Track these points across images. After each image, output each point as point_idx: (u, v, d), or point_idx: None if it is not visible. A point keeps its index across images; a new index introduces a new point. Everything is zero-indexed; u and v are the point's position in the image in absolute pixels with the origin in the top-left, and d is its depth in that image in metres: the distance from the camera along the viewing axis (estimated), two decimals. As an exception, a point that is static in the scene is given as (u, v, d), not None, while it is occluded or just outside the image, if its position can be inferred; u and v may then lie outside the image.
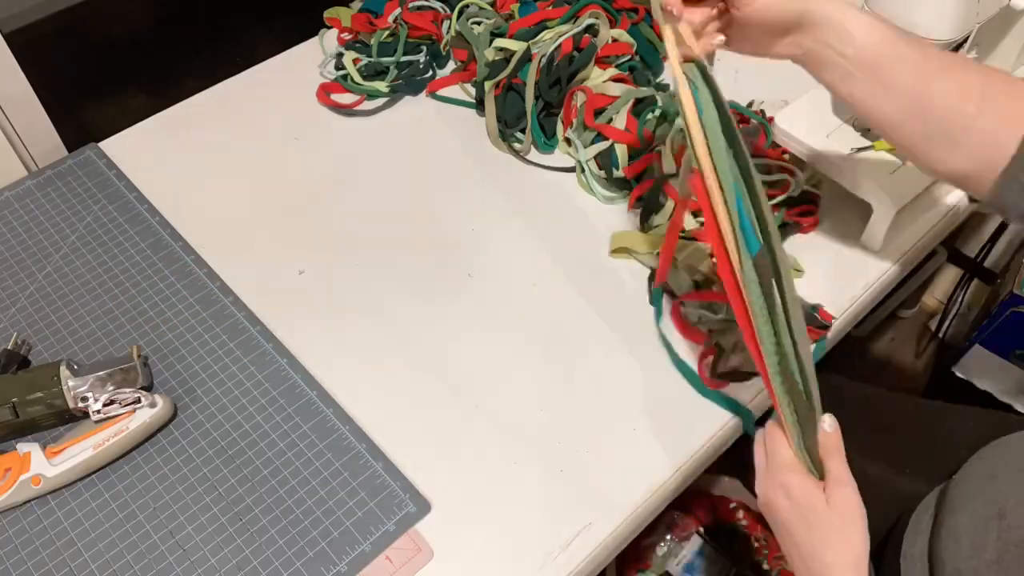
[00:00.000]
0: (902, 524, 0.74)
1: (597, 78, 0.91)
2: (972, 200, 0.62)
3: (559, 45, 0.91)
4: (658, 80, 1.00)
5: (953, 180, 0.62)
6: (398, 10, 1.01)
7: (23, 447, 0.68)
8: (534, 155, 0.93)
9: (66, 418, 0.70)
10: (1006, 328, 1.28)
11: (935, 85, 0.57)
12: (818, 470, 0.57)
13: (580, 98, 0.90)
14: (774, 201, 0.80)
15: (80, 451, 0.67)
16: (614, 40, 0.95)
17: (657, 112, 0.88)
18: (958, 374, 1.37)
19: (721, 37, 0.61)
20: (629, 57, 0.95)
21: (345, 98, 0.98)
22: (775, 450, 0.58)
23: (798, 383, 0.56)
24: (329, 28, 1.07)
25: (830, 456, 0.57)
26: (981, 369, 1.34)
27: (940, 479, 0.73)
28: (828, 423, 0.57)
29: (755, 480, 0.60)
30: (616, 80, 0.91)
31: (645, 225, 0.83)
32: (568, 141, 0.91)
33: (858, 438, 0.83)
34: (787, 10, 0.57)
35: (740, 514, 1.08)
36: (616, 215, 0.87)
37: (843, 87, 0.60)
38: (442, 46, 1.02)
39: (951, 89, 0.57)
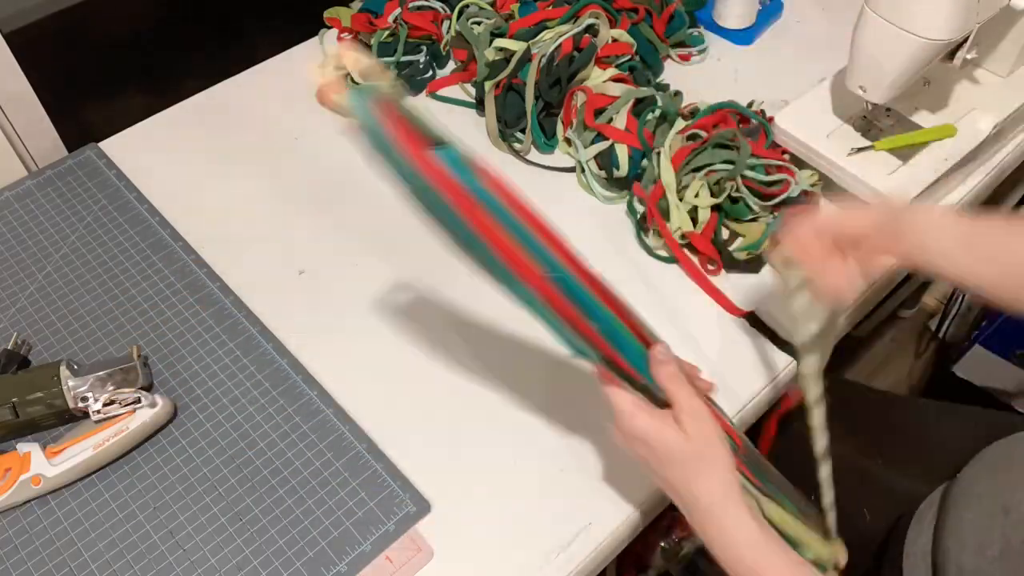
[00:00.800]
0: (904, 523, 0.74)
1: (597, 78, 0.91)
2: None
3: (559, 45, 0.91)
4: (658, 80, 1.00)
5: None
6: (398, 10, 1.01)
7: (23, 447, 0.68)
8: (534, 155, 0.93)
9: (66, 418, 0.70)
10: (1006, 328, 1.28)
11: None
12: (661, 400, 0.56)
13: (580, 98, 0.90)
14: (774, 201, 0.80)
15: (80, 451, 0.67)
16: (614, 40, 0.95)
17: (657, 112, 0.88)
18: (958, 374, 1.37)
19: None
20: (629, 57, 0.95)
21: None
22: (614, 399, 0.57)
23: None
24: (329, 28, 1.07)
25: (672, 386, 0.55)
26: (981, 369, 1.34)
27: (940, 479, 0.73)
28: (662, 352, 0.56)
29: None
30: (616, 80, 0.91)
31: (644, 230, 0.83)
32: (568, 141, 0.91)
33: (858, 438, 0.84)
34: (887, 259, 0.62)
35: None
36: (616, 215, 0.87)
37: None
38: (442, 46, 1.02)
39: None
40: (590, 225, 0.86)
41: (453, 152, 0.49)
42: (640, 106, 0.88)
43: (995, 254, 0.60)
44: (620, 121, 0.86)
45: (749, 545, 0.53)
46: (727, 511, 0.54)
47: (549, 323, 0.54)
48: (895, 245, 0.61)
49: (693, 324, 0.78)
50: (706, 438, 0.55)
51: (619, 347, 0.55)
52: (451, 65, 1.03)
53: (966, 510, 0.65)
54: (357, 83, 0.51)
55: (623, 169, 0.85)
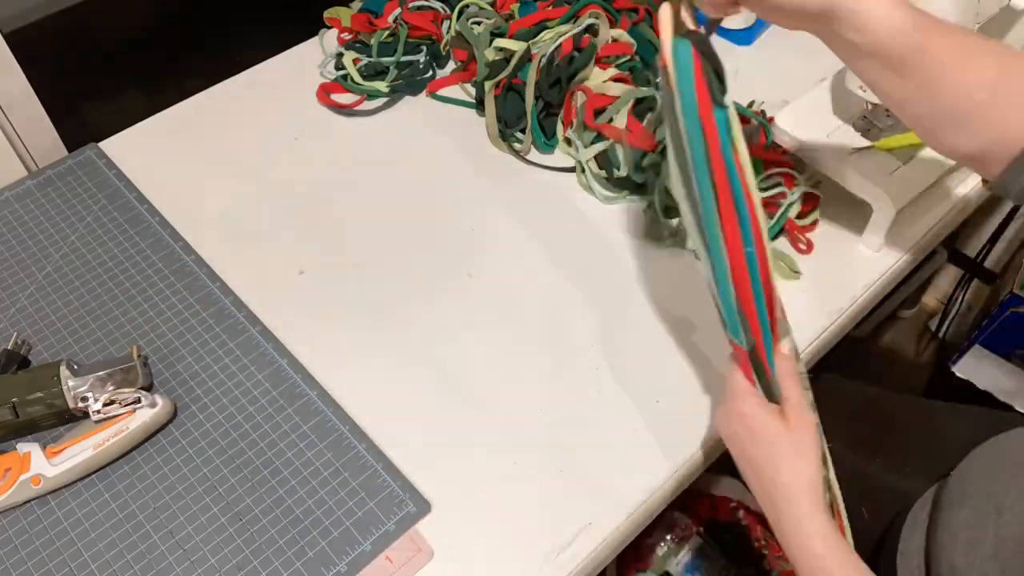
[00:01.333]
0: (898, 522, 0.74)
1: (597, 78, 0.91)
2: (984, 181, 0.63)
3: (559, 45, 0.91)
4: (658, 80, 1.00)
5: (960, 160, 0.63)
6: (398, 10, 1.01)
7: (23, 447, 0.68)
8: (534, 155, 0.93)
9: (66, 418, 0.70)
10: (1006, 328, 1.28)
11: (948, 77, 0.57)
12: (774, 397, 0.61)
13: (580, 98, 0.90)
14: (774, 220, 0.81)
15: (80, 451, 0.67)
16: (614, 40, 0.95)
17: (657, 112, 0.88)
18: (958, 374, 1.37)
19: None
20: (629, 57, 0.95)
21: (345, 98, 0.98)
22: (731, 380, 0.61)
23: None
24: (329, 28, 1.07)
25: (789, 382, 0.60)
26: (981, 369, 1.34)
27: (939, 479, 0.73)
28: (787, 348, 0.60)
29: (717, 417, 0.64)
30: (616, 80, 0.91)
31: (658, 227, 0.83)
32: (568, 141, 0.91)
33: (858, 437, 0.84)
34: (811, 6, 0.56)
35: (740, 514, 1.08)
36: (616, 215, 0.87)
37: (855, 64, 0.60)
38: (442, 46, 1.02)
39: (965, 81, 0.57)
40: (589, 225, 0.86)
41: (723, 116, 0.55)
42: (640, 106, 0.88)
43: (921, 79, 0.57)
44: (620, 121, 0.86)
45: (823, 537, 0.55)
46: (806, 501, 0.56)
47: (724, 294, 0.58)
48: (829, 20, 0.56)
49: (696, 321, 0.78)
50: (806, 432, 0.58)
51: (764, 335, 0.59)
52: (451, 65, 1.03)
53: (959, 509, 0.65)
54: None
55: (623, 169, 0.85)
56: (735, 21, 1.04)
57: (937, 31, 0.57)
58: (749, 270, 0.57)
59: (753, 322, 0.58)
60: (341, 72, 0.99)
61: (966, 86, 0.56)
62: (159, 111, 0.99)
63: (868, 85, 0.61)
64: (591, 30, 0.94)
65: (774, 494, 0.58)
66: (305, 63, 1.03)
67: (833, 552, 0.55)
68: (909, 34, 0.56)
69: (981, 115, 0.57)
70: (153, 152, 0.94)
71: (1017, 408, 1.32)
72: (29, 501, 0.67)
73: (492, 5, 1.01)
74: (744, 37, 1.05)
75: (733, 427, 0.61)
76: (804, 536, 0.56)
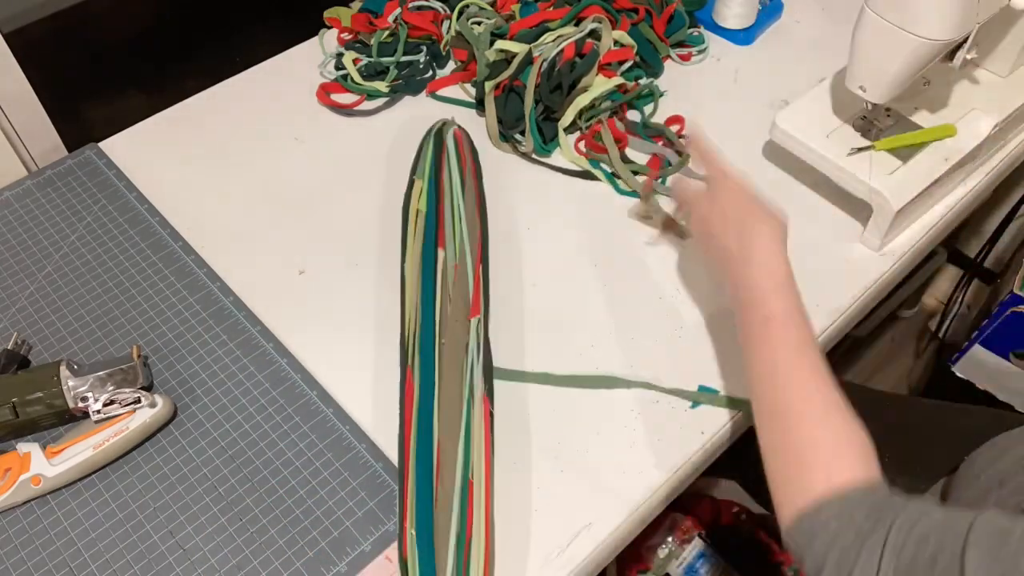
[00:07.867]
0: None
1: (600, 85, 0.91)
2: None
3: (561, 50, 0.91)
4: (658, 81, 1.00)
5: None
6: (398, 10, 1.01)
7: (23, 447, 0.68)
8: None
9: (66, 418, 0.70)
10: (1006, 328, 1.28)
11: None
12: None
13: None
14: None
15: (80, 451, 0.67)
16: (616, 42, 0.95)
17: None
18: (958, 374, 1.37)
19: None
20: (632, 64, 0.95)
21: (345, 98, 0.98)
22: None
23: None
24: (329, 28, 1.07)
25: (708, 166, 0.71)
26: (981, 369, 1.34)
27: (940, 478, 0.74)
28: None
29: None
30: (620, 90, 0.91)
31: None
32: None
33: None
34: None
35: (742, 517, 1.09)
36: (615, 215, 0.87)
37: None
38: (442, 46, 1.02)
39: None
40: (589, 225, 0.86)
41: None
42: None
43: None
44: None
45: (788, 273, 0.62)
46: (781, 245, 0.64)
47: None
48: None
49: (697, 320, 0.78)
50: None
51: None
52: (451, 65, 1.03)
53: (965, 491, 0.65)
54: None
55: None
56: (735, 21, 1.04)
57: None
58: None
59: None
60: (341, 72, 1.00)
61: None
62: (159, 111, 0.99)
63: None
64: (594, 34, 0.94)
65: (749, 237, 0.63)
66: (305, 63, 1.03)
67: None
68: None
69: None
70: (153, 152, 0.94)
71: (1017, 408, 1.32)
72: (29, 501, 0.67)
73: (492, 5, 1.01)
74: (744, 37, 1.05)
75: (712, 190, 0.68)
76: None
